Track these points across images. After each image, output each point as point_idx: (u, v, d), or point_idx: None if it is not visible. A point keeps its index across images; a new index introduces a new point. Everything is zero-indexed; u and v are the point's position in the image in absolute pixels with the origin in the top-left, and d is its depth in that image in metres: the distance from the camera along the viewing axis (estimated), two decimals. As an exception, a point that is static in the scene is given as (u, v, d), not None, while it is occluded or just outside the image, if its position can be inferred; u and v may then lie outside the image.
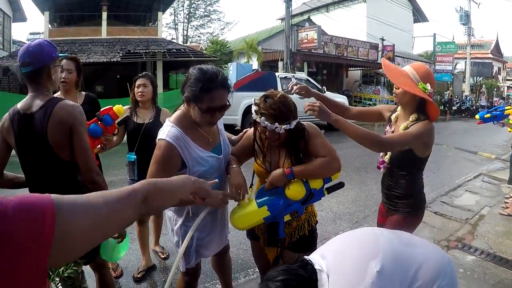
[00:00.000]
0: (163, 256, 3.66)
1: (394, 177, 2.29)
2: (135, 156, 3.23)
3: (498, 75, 39.05)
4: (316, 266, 1.32)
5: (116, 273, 3.33)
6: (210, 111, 1.83)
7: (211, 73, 1.84)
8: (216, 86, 1.81)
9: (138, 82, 3.31)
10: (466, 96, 27.14)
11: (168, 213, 2.19)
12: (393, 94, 2.26)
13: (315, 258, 1.37)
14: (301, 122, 2.03)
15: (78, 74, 2.95)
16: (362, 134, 2.00)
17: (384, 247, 1.38)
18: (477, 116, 5.44)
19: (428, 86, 2.08)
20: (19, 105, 1.95)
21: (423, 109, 2.14)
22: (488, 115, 5.09)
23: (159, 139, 1.88)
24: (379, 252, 1.35)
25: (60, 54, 2.08)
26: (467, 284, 3.25)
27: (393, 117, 2.33)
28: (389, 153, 2.27)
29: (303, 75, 14.89)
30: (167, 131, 1.88)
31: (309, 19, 23.87)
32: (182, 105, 2.00)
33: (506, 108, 4.96)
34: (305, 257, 1.38)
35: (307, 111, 1.99)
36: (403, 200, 2.27)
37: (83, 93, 3.04)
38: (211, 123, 1.94)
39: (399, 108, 2.31)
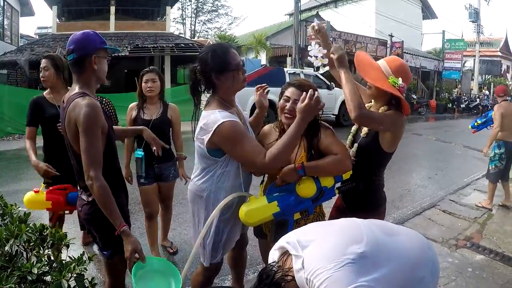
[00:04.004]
0: (172, 251, 3.68)
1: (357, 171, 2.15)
2: (143, 153, 3.24)
3: (507, 73, 38.57)
4: (293, 252, 1.29)
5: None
6: (240, 67, 2.01)
7: (215, 43, 2.22)
8: (230, 46, 2.09)
9: (146, 77, 3.29)
10: (486, 95, 26.54)
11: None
12: (367, 87, 2.19)
13: (291, 245, 1.32)
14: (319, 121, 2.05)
15: (57, 71, 3.00)
16: (354, 95, 1.95)
17: (368, 234, 1.32)
18: (469, 127, 5.63)
19: (400, 80, 2.01)
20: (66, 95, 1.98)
21: (397, 104, 2.06)
22: (478, 122, 5.35)
23: (218, 126, 1.87)
24: (363, 238, 1.29)
25: (109, 47, 2.02)
26: (476, 284, 3.24)
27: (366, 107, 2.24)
28: (355, 145, 2.18)
29: (312, 71, 14.78)
30: (218, 115, 1.90)
31: (317, 15, 23.73)
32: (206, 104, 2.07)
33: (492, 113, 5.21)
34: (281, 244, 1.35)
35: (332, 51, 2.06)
36: (363, 197, 2.18)
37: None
38: (244, 81, 2.07)
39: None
